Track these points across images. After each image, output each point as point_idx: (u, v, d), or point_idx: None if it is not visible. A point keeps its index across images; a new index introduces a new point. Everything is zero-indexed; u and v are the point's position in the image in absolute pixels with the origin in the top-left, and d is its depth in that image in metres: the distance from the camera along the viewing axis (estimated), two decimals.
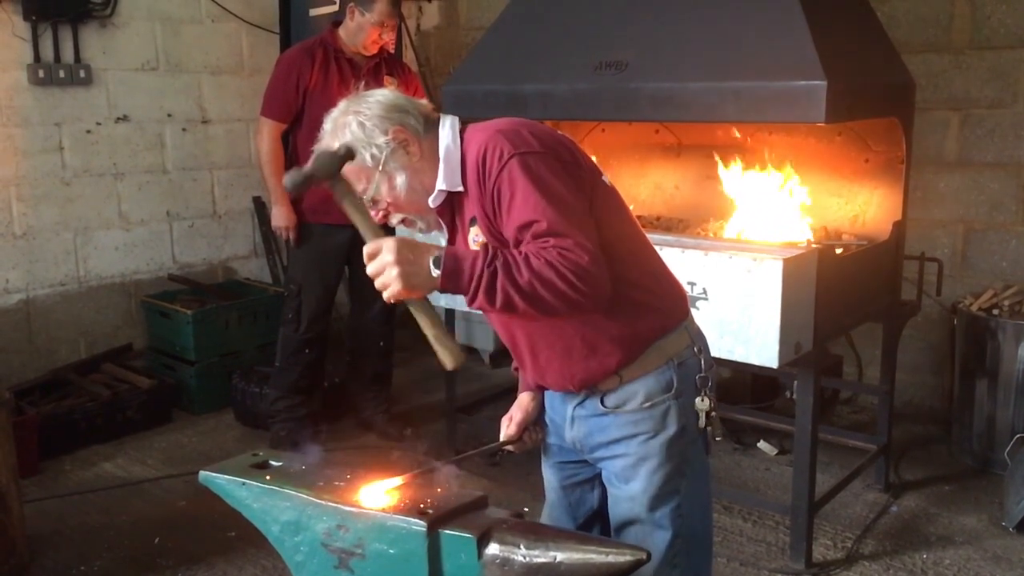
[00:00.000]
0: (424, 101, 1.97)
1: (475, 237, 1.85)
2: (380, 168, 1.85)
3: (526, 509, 1.81)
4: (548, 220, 1.69)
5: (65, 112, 4.56)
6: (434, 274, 1.68)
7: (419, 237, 1.91)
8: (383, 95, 1.91)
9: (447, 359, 1.80)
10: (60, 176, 4.59)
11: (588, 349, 1.89)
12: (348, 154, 1.83)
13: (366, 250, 1.72)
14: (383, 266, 1.68)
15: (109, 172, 4.77)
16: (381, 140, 1.84)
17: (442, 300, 3.63)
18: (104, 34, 4.64)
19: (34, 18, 4.35)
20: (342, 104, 1.91)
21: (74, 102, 4.59)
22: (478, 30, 5.39)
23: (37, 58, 4.40)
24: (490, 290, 1.67)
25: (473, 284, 1.68)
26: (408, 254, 1.68)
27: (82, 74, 4.56)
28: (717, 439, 1.99)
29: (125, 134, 4.80)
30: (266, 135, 4.01)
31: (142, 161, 4.88)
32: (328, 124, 1.90)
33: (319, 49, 3.97)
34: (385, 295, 1.71)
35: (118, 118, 4.76)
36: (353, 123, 1.85)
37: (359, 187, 1.88)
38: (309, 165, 1.81)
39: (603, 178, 1.92)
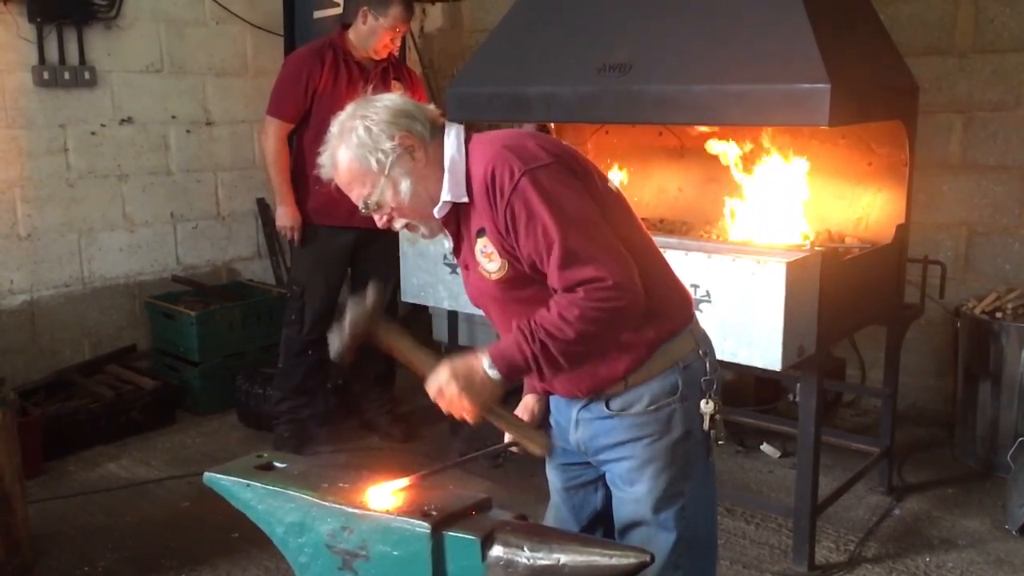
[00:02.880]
0: (431, 107, 1.97)
1: (483, 248, 1.85)
2: (385, 173, 1.85)
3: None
4: (567, 243, 1.73)
5: (69, 114, 4.57)
6: (495, 378, 1.81)
7: (423, 242, 1.93)
8: (391, 100, 1.91)
9: (536, 448, 1.95)
10: (64, 177, 4.60)
11: (598, 356, 1.90)
12: (377, 302, 1.93)
13: (429, 388, 1.85)
14: (451, 398, 1.81)
15: (113, 174, 4.78)
16: (387, 145, 1.84)
17: (444, 302, 3.64)
18: (109, 36, 4.66)
19: (39, 20, 4.36)
20: (349, 108, 1.91)
21: (78, 104, 4.60)
22: (482, 32, 5.40)
23: (42, 60, 4.42)
24: (550, 362, 1.78)
25: (534, 367, 1.78)
26: (465, 375, 1.81)
27: (86, 76, 4.57)
28: (719, 443, 1.99)
29: (129, 136, 4.81)
30: (272, 135, 3.99)
31: (146, 163, 4.89)
32: (335, 127, 1.91)
33: (328, 51, 3.95)
34: (468, 419, 1.85)
35: (122, 120, 4.77)
36: (360, 127, 1.85)
37: (363, 191, 1.89)
38: (347, 325, 1.91)
39: (610, 184, 1.92)
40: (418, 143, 1.87)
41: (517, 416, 1.97)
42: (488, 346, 1.85)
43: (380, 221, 1.95)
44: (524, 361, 1.78)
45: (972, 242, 4.27)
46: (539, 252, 1.76)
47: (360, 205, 1.91)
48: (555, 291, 1.78)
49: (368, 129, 1.85)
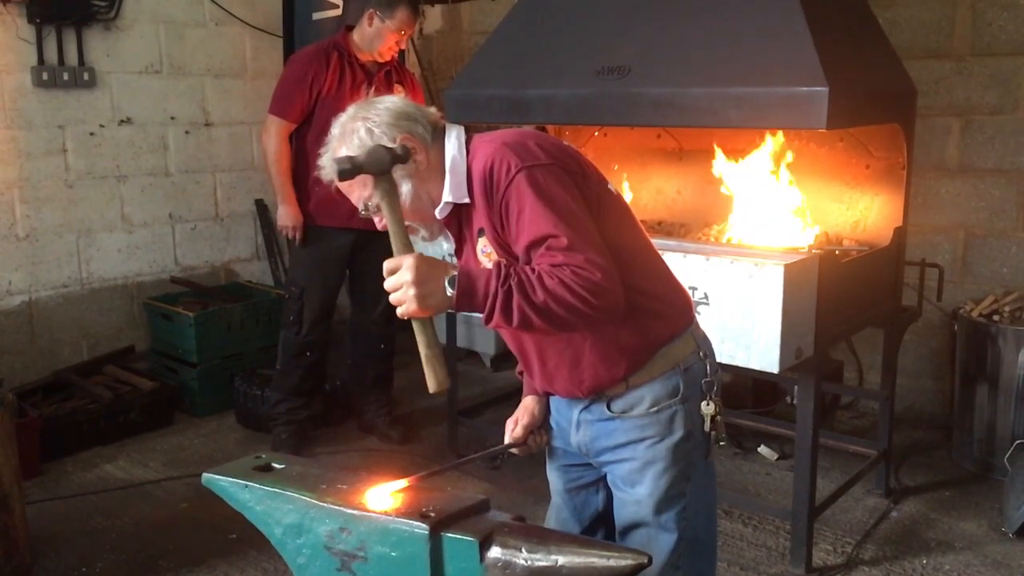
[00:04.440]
0: (432, 109, 1.97)
1: (483, 248, 1.86)
2: None
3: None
4: (559, 235, 1.69)
5: (68, 114, 4.58)
6: (448, 293, 1.70)
7: (420, 245, 1.91)
8: (392, 102, 1.91)
9: (431, 382, 1.80)
10: (63, 178, 4.61)
11: (597, 357, 1.90)
12: (404, 154, 1.82)
13: (387, 264, 1.73)
14: (400, 283, 1.70)
15: (112, 174, 4.78)
16: None
17: None
18: (108, 37, 4.66)
19: (38, 20, 4.37)
20: (351, 109, 1.92)
21: (78, 104, 4.60)
22: (481, 34, 5.40)
23: (41, 60, 4.42)
24: (506, 309, 1.69)
25: (488, 303, 1.69)
26: (425, 273, 1.70)
27: (86, 77, 4.57)
28: (720, 444, 2.00)
29: (128, 136, 4.81)
30: (274, 134, 3.96)
31: (145, 163, 4.89)
32: (336, 129, 1.91)
33: (333, 52, 3.94)
34: (399, 311, 1.73)
35: (121, 120, 4.77)
36: (361, 129, 1.86)
37: (364, 193, 1.89)
38: (361, 155, 1.80)
39: (609, 187, 1.92)
40: (419, 145, 1.87)
41: (434, 337, 1.80)
42: (462, 263, 1.81)
43: (380, 223, 1.95)
44: (483, 294, 1.69)
45: (969, 245, 4.28)
46: (535, 242, 1.72)
47: (360, 207, 1.91)
48: None
49: (370, 131, 1.85)
